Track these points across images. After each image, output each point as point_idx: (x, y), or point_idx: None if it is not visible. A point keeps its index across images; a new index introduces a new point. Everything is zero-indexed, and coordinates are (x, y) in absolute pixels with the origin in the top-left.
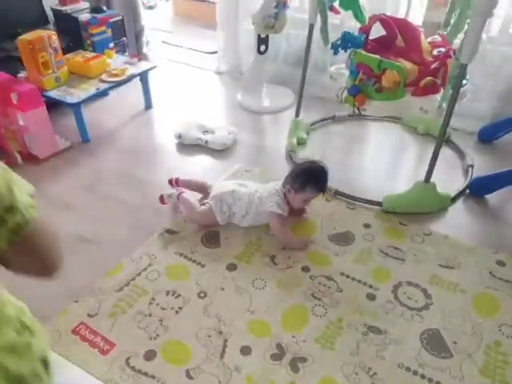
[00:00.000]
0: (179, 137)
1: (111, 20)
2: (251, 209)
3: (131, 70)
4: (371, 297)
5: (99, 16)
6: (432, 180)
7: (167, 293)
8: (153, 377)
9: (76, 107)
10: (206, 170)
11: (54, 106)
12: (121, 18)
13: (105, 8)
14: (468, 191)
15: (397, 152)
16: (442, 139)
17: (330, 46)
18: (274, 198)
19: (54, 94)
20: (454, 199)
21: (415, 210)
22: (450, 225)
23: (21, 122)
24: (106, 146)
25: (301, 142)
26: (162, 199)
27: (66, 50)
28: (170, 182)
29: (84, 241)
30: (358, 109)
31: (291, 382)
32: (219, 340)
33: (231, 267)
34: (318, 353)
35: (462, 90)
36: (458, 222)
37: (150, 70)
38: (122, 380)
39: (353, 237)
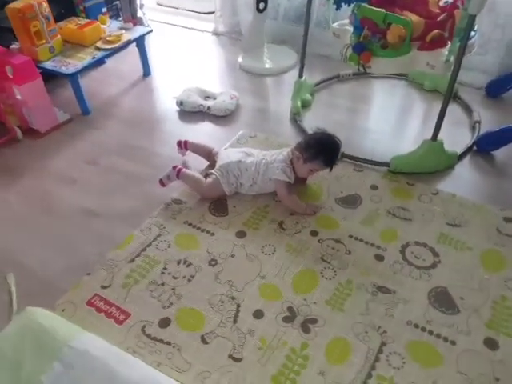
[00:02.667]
0: (180, 104)
1: None
2: (258, 177)
3: (127, 36)
4: (379, 257)
5: None
6: (439, 138)
7: (178, 262)
8: (168, 343)
9: (73, 78)
10: (209, 137)
11: (50, 77)
12: None
13: None
14: (475, 148)
15: (403, 110)
16: (450, 96)
17: (332, 0)
18: (279, 164)
19: (49, 64)
20: (460, 156)
21: (423, 170)
22: (457, 183)
23: (18, 96)
24: (106, 117)
25: (305, 104)
26: (161, 183)
27: (57, 18)
28: (179, 144)
29: (91, 214)
30: (363, 67)
31: (303, 343)
32: (232, 305)
33: (240, 234)
34: (329, 314)
35: (469, 42)
36: (465, 179)
37: (146, 34)
38: (138, 347)
39: (360, 199)
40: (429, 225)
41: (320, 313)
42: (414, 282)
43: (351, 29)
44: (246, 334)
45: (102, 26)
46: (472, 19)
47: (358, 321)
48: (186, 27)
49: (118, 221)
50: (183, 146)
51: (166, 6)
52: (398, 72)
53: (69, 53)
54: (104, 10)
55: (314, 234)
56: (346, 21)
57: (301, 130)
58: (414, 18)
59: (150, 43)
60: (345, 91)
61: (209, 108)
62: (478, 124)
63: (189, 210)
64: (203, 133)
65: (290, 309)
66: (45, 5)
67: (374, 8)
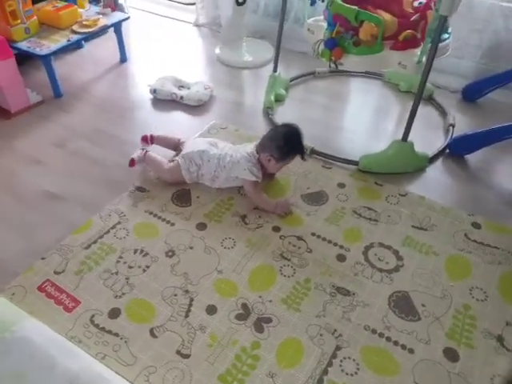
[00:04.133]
0: (154, 92)
1: None
2: (221, 173)
3: (104, 21)
4: (341, 258)
5: None
6: (411, 139)
7: (135, 251)
8: (116, 335)
9: (46, 59)
10: (181, 127)
11: (24, 58)
12: None
13: None
14: (448, 151)
15: (377, 110)
16: (420, 96)
17: None
18: (246, 164)
19: (23, 45)
20: (432, 159)
21: (392, 170)
22: (427, 186)
23: None
24: (78, 101)
25: (279, 99)
26: (132, 162)
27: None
28: (144, 138)
29: (52, 197)
30: (334, 63)
31: (255, 342)
32: (185, 299)
33: (201, 226)
34: (284, 313)
35: (443, 44)
36: (435, 182)
37: (123, 20)
38: (85, 337)
39: (326, 197)
40: (394, 227)
41: (275, 312)
42: (375, 285)
43: (325, 25)
44: (196, 330)
45: (80, 9)
46: (443, 20)
47: (314, 322)
48: (168, 17)
49: (78, 206)
50: (149, 140)
51: None
52: (369, 70)
53: (44, 34)
54: None
55: (276, 229)
56: (321, 17)
57: (272, 123)
58: (386, 16)
59: (131, 30)
60: (320, 88)
61: (182, 97)
62: (451, 127)
63: (151, 198)
64: (175, 122)
65: (244, 306)
66: None
67: (347, 5)
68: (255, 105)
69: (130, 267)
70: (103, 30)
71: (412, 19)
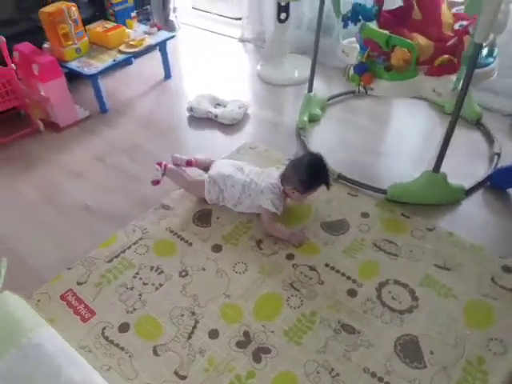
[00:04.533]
0: (190, 110)
1: None
2: (245, 200)
3: (149, 41)
4: (352, 293)
5: None
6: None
7: (151, 268)
8: (122, 349)
9: (93, 78)
10: (214, 145)
11: (75, 76)
12: None
13: None
14: (488, 183)
15: (418, 134)
16: (454, 126)
17: (340, 18)
18: (269, 195)
19: (73, 65)
20: (470, 191)
21: (421, 202)
22: (459, 220)
23: (42, 92)
24: (122, 117)
25: (314, 119)
26: (156, 182)
27: (91, 20)
28: (189, 162)
29: (87, 210)
30: (364, 88)
31: (250, 371)
32: (190, 320)
33: (216, 248)
34: (284, 345)
35: (486, 69)
36: (469, 217)
37: (167, 39)
38: (95, 348)
39: (347, 226)
40: (415, 264)
41: (275, 343)
42: (384, 325)
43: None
44: (196, 353)
45: (129, 30)
46: (478, 48)
47: (313, 358)
48: (215, 32)
49: (108, 219)
50: (188, 163)
51: (200, 10)
52: (401, 96)
53: (93, 54)
54: (133, 14)
55: (290, 257)
56: None
57: (303, 145)
58: (422, 40)
59: (179, 46)
60: (359, 108)
61: (216, 116)
62: (496, 156)
63: (174, 216)
64: (209, 140)
65: (246, 334)
66: (74, 9)
67: (378, 29)
68: (291, 124)
69: (145, 284)
70: (148, 49)
71: (449, 43)
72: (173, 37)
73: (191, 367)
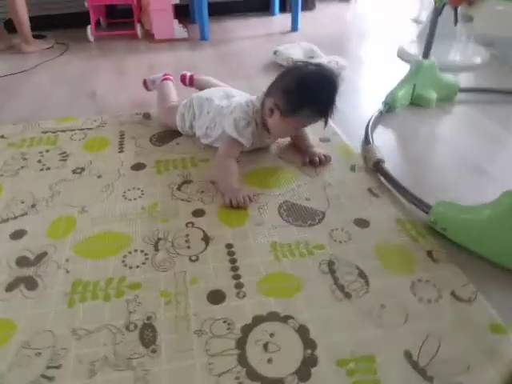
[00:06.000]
0: (275, 53)
1: None
2: (216, 128)
3: None
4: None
5: None
6: None
7: (61, 153)
8: None
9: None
10: None
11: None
12: None
13: None
14: None
15: None
16: None
17: None
18: (236, 113)
19: None
20: None
21: (484, 249)
22: None
23: None
24: (212, 48)
25: (420, 102)
26: (145, 84)
27: None
28: (183, 78)
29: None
30: (455, 14)
31: None
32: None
33: (136, 167)
34: None
35: None
36: None
37: None
38: None
39: (319, 220)
40: None
41: None
42: None
43: None
44: None
45: None
46: None
47: None
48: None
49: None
50: (187, 80)
51: None
52: None
53: None
54: None
55: (197, 213)
56: None
57: (366, 133)
58: None
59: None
60: (505, 117)
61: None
62: None
63: (141, 126)
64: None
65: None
66: None
67: None
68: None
69: (39, 162)
70: None
71: None
72: None
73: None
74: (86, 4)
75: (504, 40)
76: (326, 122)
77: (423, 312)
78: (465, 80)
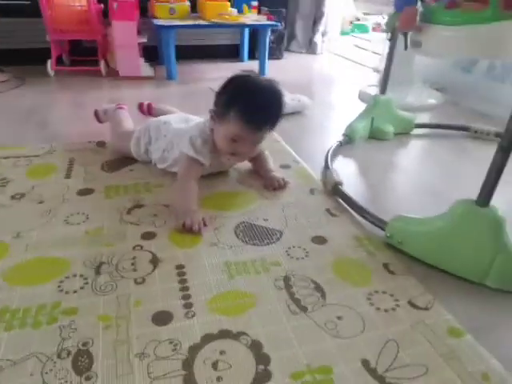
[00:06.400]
0: None
1: None
2: (172, 150)
3: (244, 20)
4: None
5: None
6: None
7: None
8: None
9: (161, 29)
10: None
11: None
12: None
13: None
14: None
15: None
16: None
17: None
18: (193, 132)
19: (159, 21)
20: None
21: (437, 259)
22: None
23: (113, 33)
24: (188, 85)
25: (377, 136)
26: (96, 115)
27: None
28: (141, 106)
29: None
30: (405, 40)
31: None
32: None
33: (84, 191)
34: None
35: None
36: None
37: (266, 26)
38: None
39: (275, 239)
40: None
41: None
42: None
43: None
44: None
45: (232, 8)
46: None
47: None
48: (355, 62)
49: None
50: (145, 108)
51: (361, 48)
52: (468, 54)
53: (188, 19)
54: (254, 3)
55: (147, 236)
56: None
57: (325, 161)
58: None
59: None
60: (467, 149)
61: None
62: None
63: (91, 154)
64: None
65: None
66: None
67: None
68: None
69: None
70: (238, 26)
71: None
72: (274, 26)
73: None
74: (48, 38)
75: (454, 85)
76: (261, 131)
77: (381, 321)
78: (420, 118)
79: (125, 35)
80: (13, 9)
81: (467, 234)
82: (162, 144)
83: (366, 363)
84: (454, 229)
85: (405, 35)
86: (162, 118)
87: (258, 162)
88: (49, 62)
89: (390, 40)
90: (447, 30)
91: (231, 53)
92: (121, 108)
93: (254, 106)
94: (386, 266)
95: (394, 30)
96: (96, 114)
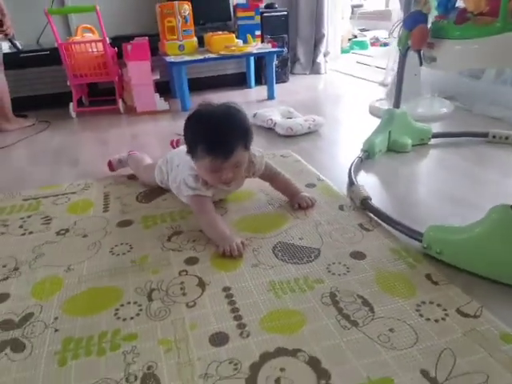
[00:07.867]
0: (254, 115)
1: (275, 13)
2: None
3: (249, 49)
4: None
5: (252, 2)
6: None
7: (44, 218)
8: None
9: (173, 66)
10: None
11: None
12: (285, 13)
13: (277, 5)
14: None
15: None
16: None
17: None
18: (185, 172)
19: (170, 58)
20: None
21: (479, 267)
22: None
23: (129, 73)
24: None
25: (397, 148)
26: (110, 165)
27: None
28: (171, 142)
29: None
30: (420, 56)
31: None
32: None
33: (124, 223)
34: None
35: None
36: None
37: (274, 53)
38: None
39: (315, 256)
40: None
41: None
42: None
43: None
44: None
45: (238, 40)
46: None
47: None
48: (360, 77)
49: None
50: (175, 144)
51: (363, 64)
52: (483, 65)
53: (196, 54)
54: (257, 32)
55: (191, 262)
56: None
57: (349, 177)
58: None
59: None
60: (490, 158)
61: (275, 124)
62: None
63: (124, 186)
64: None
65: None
66: (186, 7)
67: None
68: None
69: (20, 227)
70: (244, 55)
71: None
72: (279, 52)
73: None
74: (69, 83)
75: (464, 93)
76: (232, 155)
77: (432, 331)
78: (435, 128)
79: (140, 74)
80: (33, 59)
81: (507, 239)
82: (175, 173)
83: (425, 373)
84: (493, 235)
85: (418, 52)
86: (178, 148)
87: (278, 184)
88: (71, 105)
89: (403, 56)
90: (461, 44)
91: (239, 80)
92: (133, 153)
93: (214, 137)
94: (428, 276)
95: (406, 48)
96: (110, 164)
